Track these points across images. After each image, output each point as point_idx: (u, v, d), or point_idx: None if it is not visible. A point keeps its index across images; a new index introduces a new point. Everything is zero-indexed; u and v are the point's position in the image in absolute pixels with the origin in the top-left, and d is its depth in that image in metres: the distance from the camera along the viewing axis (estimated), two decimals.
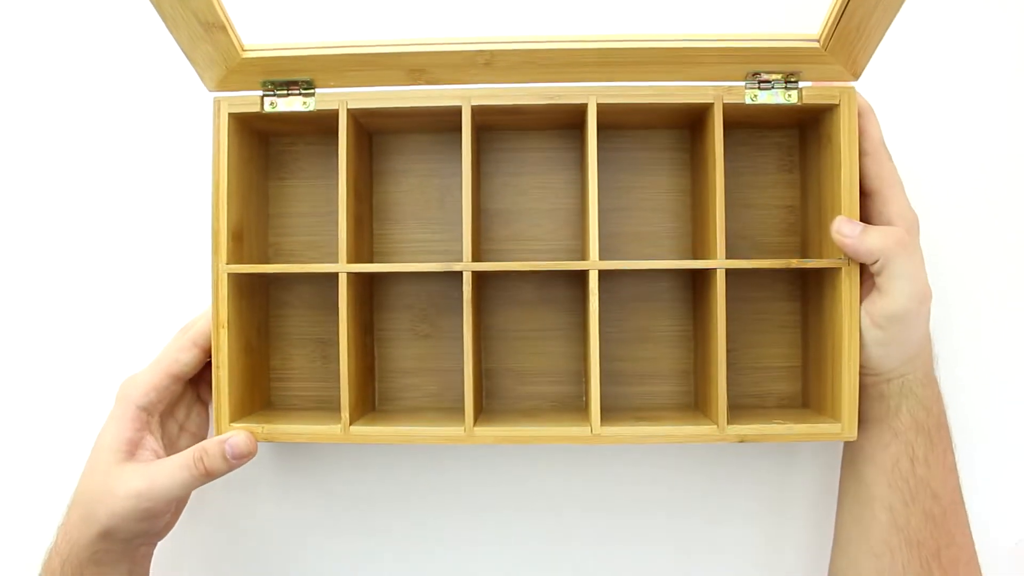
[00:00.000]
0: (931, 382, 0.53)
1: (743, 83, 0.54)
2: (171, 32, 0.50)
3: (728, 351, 0.55)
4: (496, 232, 0.62)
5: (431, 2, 0.62)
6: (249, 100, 0.55)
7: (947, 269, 0.60)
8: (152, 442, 0.55)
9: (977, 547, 0.54)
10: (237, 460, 0.53)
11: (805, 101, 0.54)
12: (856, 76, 0.53)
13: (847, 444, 0.56)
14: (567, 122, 0.59)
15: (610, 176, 0.61)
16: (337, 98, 0.55)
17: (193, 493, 0.55)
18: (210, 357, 0.56)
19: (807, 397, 0.60)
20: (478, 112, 0.55)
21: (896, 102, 0.60)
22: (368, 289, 0.61)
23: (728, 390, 0.54)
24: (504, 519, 0.62)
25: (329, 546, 0.63)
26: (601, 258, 0.54)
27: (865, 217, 0.53)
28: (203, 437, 0.60)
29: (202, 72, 0.53)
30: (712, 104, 0.54)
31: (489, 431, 0.54)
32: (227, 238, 0.55)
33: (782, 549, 0.62)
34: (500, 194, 0.62)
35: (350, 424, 0.55)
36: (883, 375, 0.53)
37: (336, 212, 0.55)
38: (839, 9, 0.49)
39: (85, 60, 0.63)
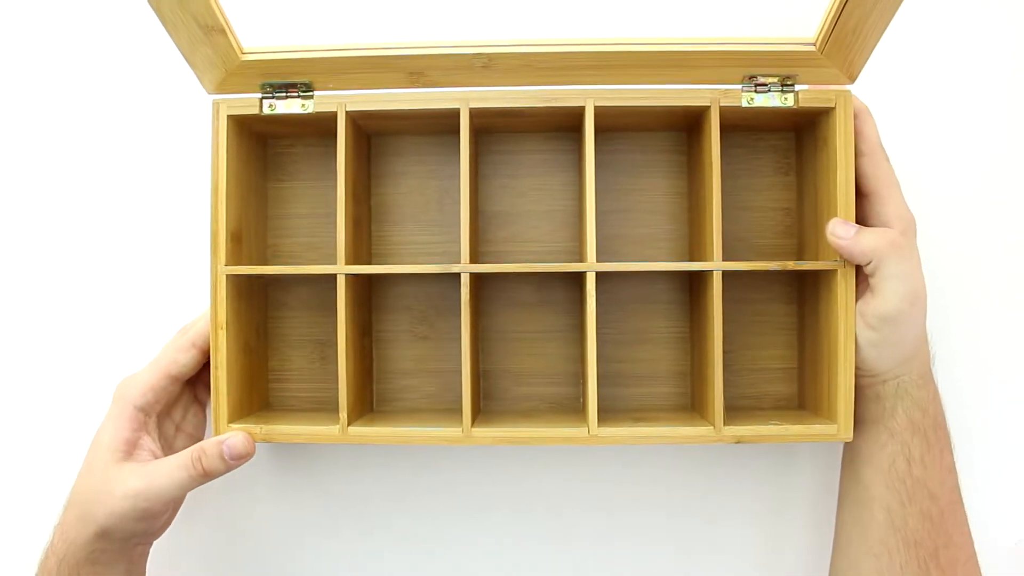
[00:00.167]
0: (927, 383, 0.53)
1: (739, 86, 0.54)
2: (170, 35, 0.50)
3: (725, 353, 0.55)
4: (494, 234, 0.62)
5: (429, 5, 0.62)
6: (248, 102, 0.55)
7: (945, 269, 0.60)
8: (149, 442, 0.55)
9: (977, 547, 0.54)
10: (235, 461, 0.53)
11: (801, 104, 0.54)
12: (852, 79, 0.53)
13: (846, 445, 0.57)
14: (565, 125, 0.60)
15: (608, 178, 0.61)
16: (336, 100, 0.55)
17: (191, 493, 0.55)
18: (208, 358, 0.56)
19: (803, 398, 0.60)
20: (476, 114, 0.55)
21: (893, 104, 0.60)
22: (366, 290, 0.61)
23: (725, 391, 0.54)
24: (502, 519, 0.63)
25: (327, 546, 0.63)
26: (598, 260, 0.55)
27: (863, 218, 0.54)
28: (200, 438, 0.60)
29: (201, 75, 0.53)
30: (709, 107, 0.54)
31: (487, 432, 0.54)
32: (226, 239, 0.55)
33: (782, 549, 0.62)
34: (498, 196, 0.62)
35: (348, 425, 0.55)
36: (878, 376, 0.53)
37: (334, 214, 0.55)
38: (835, 13, 0.49)
39: (85, 62, 0.64)
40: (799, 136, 0.60)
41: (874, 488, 0.53)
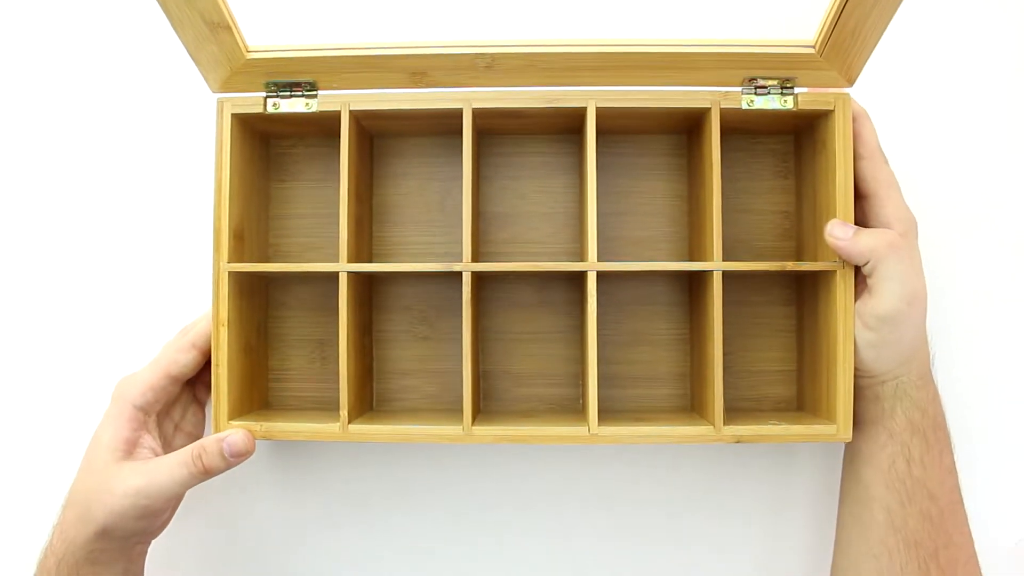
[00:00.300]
0: (926, 384, 0.53)
1: (740, 88, 0.55)
2: (177, 32, 0.50)
3: (724, 354, 0.55)
4: (495, 235, 0.62)
5: (433, 5, 0.63)
6: (252, 101, 0.55)
7: (945, 270, 0.61)
8: (149, 441, 0.55)
9: (977, 547, 0.54)
10: (235, 458, 0.53)
11: (800, 107, 0.54)
12: (851, 82, 0.54)
13: (846, 445, 0.57)
14: (566, 127, 0.60)
15: (608, 181, 0.61)
16: (339, 100, 0.55)
17: (190, 492, 0.55)
18: (208, 359, 0.56)
19: (802, 400, 0.60)
20: (478, 115, 0.56)
21: (891, 107, 0.61)
22: (367, 290, 0.62)
23: (724, 393, 0.54)
24: (503, 519, 0.62)
25: (326, 545, 0.63)
26: (599, 261, 0.55)
27: (863, 220, 0.54)
28: (199, 437, 0.60)
29: (206, 73, 0.54)
30: (709, 109, 0.55)
31: (488, 430, 0.54)
32: (228, 237, 0.55)
33: (782, 549, 0.62)
34: (499, 197, 0.62)
35: (349, 422, 0.55)
36: (877, 377, 0.53)
37: (336, 214, 0.56)
38: (835, 16, 0.50)
39: (89, 60, 0.64)
40: (798, 139, 0.61)
41: (874, 488, 0.53)
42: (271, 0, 0.62)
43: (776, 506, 0.62)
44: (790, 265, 0.55)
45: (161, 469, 0.52)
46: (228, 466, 0.53)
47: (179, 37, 0.51)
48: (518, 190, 0.62)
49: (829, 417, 0.55)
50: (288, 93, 0.55)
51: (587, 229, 0.55)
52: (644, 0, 0.62)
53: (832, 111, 0.54)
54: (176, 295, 0.63)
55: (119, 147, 0.64)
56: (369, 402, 0.62)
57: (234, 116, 0.55)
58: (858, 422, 0.54)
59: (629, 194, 0.62)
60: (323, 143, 0.62)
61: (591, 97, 0.55)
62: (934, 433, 0.53)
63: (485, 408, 0.62)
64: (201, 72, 0.54)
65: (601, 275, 0.55)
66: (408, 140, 0.62)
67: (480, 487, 0.62)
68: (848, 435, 0.53)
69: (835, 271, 0.54)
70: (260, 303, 0.61)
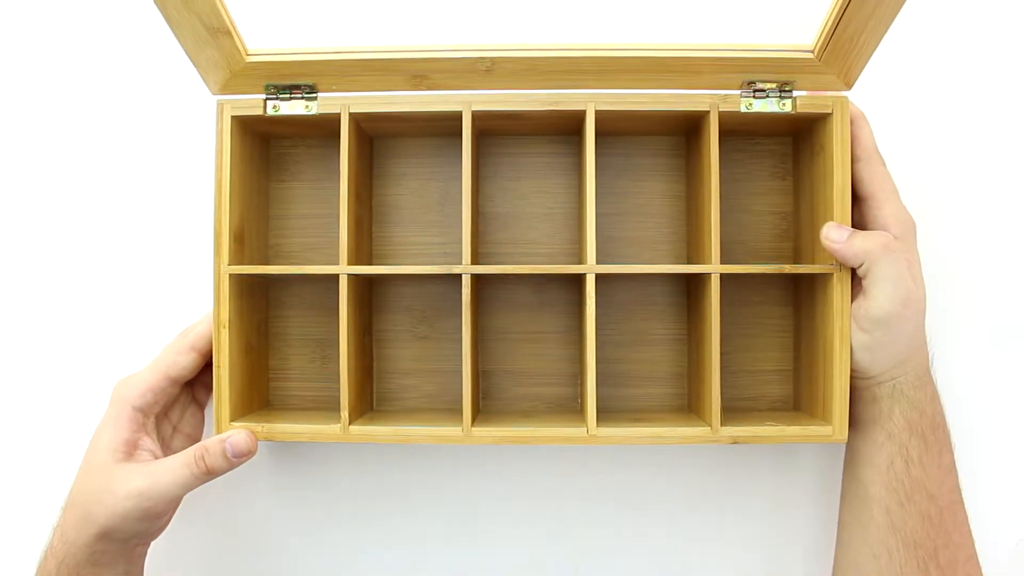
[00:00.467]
0: (924, 384, 0.53)
1: (738, 91, 0.55)
2: (176, 36, 0.50)
3: (722, 354, 0.55)
4: (495, 235, 0.62)
5: (433, 9, 0.63)
6: (252, 103, 0.55)
7: (944, 270, 0.61)
8: (149, 443, 0.55)
9: (977, 547, 0.54)
10: (238, 458, 0.53)
11: (799, 110, 0.55)
12: (849, 86, 0.54)
13: (847, 445, 0.57)
14: (566, 128, 0.60)
15: (607, 181, 0.62)
16: (339, 102, 0.55)
17: (190, 492, 0.55)
18: (207, 361, 0.57)
19: (799, 400, 0.61)
20: (478, 117, 0.56)
21: (889, 110, 0.61)
22: (367, 291, 0.62)
23: (721, 392, 0.55)
24: (502, 518, 0.63)
25: (326, 545, 0.63)
26: (598, 262, 0.55)
27: (861, 222, 0.54)
28: (198, 438, 0.60)
29: (206, 75, 0.54)
30: (708, 112, 0.55)
31: (487, 431, 0.55)
32: (229, 239, 0.55)
33: (784, 549, 0.62)
34: (499, 198, 0.62)
35: (349, 424, 0.55)
36: (873, 378, 0.54)
37: (335, 214, 0.56)
38: (833, 20, 0.50)
39: (90, 63, 0.64)
40: (796, 141, 0.61)
41: (873, 489, 0.53)
42: (271, 2, 0.62)
43: (777, 505, 0.62)
44: (787, 268, 0.56)
45: (163, 470, 0.52)
46: (231, 466, 0.53)
47: (179, 41, 0.51)
48: (518, 190, 0.63)
49: (825, 418, 0.55)
50: (288, 95, 0.55)
51: (586, 233, 0.55)
52: (644, 4, 0.62)
53: (830, 114, 0.54)
54: (176, 296, 0.63)
55: (119, 149, 0.64)
56: (369, 401, 0.62)
57: (234, 118, 0.55)
58: (856, 423, 0.55)
59: (628, 194, 0.62)
60: (323, 143, 0.62)
61: (590, 100, 0.55)
62: (933, 433, 0.53)
63: (485, 407, 0.62)
64: (201, 75, 0.54)
65: (600, 276, 0.55)
66: (408, 140, 0.63)
67: (480, 486, 0.63)
68: (843, 436, 0.54)
69: (832, 274, 0.54)
70: (260, 303, 0.61)
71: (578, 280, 0.59)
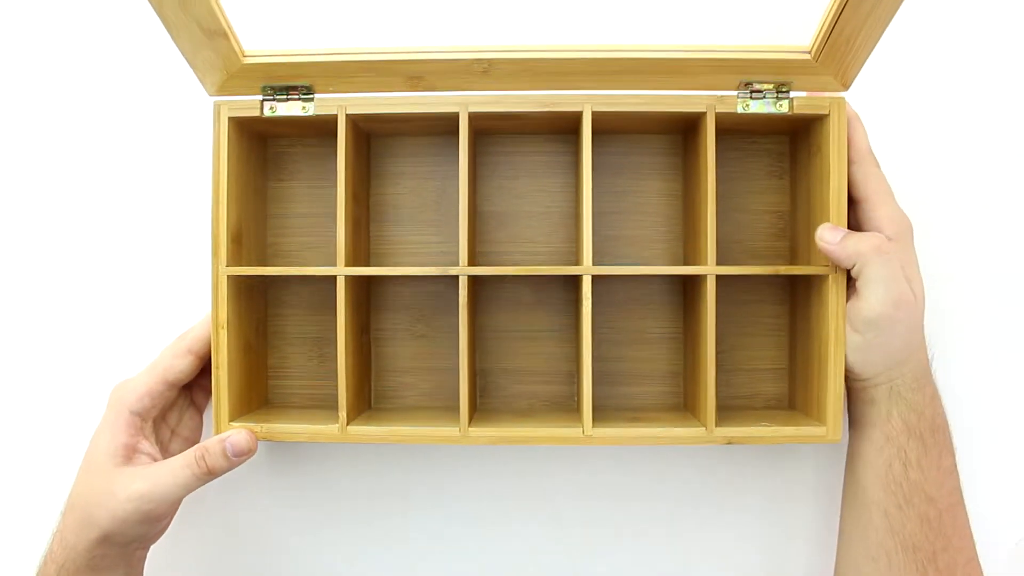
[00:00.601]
0: (923, 386, 0.53)
1: (735, 92, 0.55)
2: (173, 38, 0.50)
3: (717, 353, 0.56)
4: (492, 234, 0.63)
5: (430, 10, 0.62)
6: (249, 104, 0.55)
7: (943, 271, 0.61)
8: (148, 446, 0.55)
9: (977, 547, 0.54)
10: (238, 458, 0.54)
11: (796, 111, 0.55)
12: (846, 87, 0.54)
13: (848, 447, 0.57)
14: (563, 127, 0.60)
15: (604, 180, 0.62)
16: (336, 103, 0.55)
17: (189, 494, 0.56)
18: (204, 364, 0.57)
19: (793, 399, 0.61)
20: (475, 117, 0.56)
21: (886, 111, 0.61)
22: (365, 290, 0.62)
23: (717, 391, 0.55)
24: (501, 517, 0.63)
25: (325, 544, 0.64)
26: (595, 260, 0.55)
27: (857, 224, 0.54)
28: (195, 442, 0.60)
29: (203, 77, 0.54)
30: (705, 113, 0.55)
31: (484, 432, 0.55)
32: (227, 240, 0.55)
33: (784, 549, 0.62)
34: (496, 197, 0.63)
35: (348, 424, 0.56)
36: (868, 380, 0.54)
37: (333, 213, 0.56)
38: (830, 21, 0.50)
39: (87, 65, 0.64)
40: (793, 140, 0.61)
41: (872, 491, 0.53)
42: (267, 4, 0.62)
43: (777, 505, 0.62)
44: (782, 270, 0.56)
45: (164, 472, 0.52)
46: (231, 466, 0.54)
47: (175, 43, 0.51)
48: (515, 189, 0.63)
49: (819, 418, 0.56)
50: (285, 97, 0.55)
51: (583, 233, 0.55)
52: (641, 4, 0.62)
53: (827, 116, 0.54)
54: (173, 298, 0.63)
55: (116, 150, 0.64)
56: (367, 400, 0.63)
57: (231, 119, 0.55)
58: (856, 425, 0.55)
59: (625, 193, 0.62)
60: (321, 142, 0.62)
61: (587, 101, 0.55)
62: (932, 435, 0.53)
63: (482, 405, 0.63)
64: (198, 76, 0.54)
65: (596, 276, 0.56)
66: (405, 140, 0.63)
67: (477, 485, 0.63)
68: (837, 437, 0.54)
69: (827, 275, 0.54)
70: (259, 303, 0.62)
71: (575, 279, 0.59)
